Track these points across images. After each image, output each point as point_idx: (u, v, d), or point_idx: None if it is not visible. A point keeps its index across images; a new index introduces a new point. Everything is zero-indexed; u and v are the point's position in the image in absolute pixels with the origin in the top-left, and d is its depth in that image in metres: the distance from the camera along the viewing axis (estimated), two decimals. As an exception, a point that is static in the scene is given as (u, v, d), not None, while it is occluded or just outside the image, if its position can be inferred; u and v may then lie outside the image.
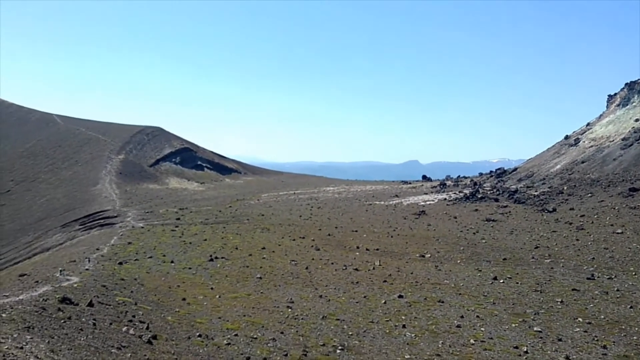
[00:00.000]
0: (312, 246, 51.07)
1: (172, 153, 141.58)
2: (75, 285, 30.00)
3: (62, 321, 22.15)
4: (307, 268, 41.93)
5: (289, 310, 31.01)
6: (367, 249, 50.67)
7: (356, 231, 59.80)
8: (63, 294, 25.88)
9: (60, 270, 33.70)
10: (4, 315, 20.79)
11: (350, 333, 27.57)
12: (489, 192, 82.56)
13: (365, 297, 34.30)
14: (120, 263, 40.16)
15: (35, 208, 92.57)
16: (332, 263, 44.12)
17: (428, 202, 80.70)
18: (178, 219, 68.45)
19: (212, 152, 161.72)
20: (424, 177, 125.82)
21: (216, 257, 44.25)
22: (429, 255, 48.31)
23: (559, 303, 32.59)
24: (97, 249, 45.84)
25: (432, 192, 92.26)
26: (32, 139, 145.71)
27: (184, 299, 32.11)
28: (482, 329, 28.34)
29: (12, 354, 15.65)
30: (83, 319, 23.34)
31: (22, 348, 16.78)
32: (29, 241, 71.40)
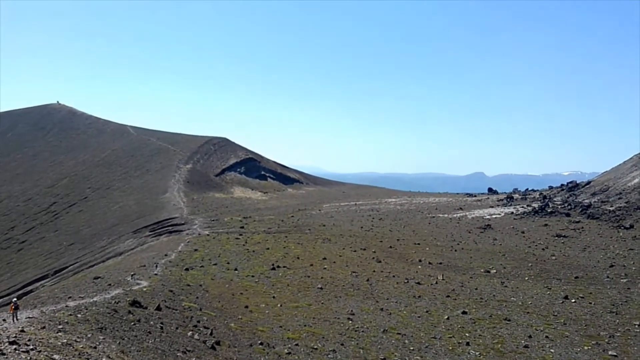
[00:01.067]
0: (374, 258, 50.66)
1: (237, 163, 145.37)
2: (144, 289, 31.28)
3: (132, 323, 23.13)
4: (368, 280, 41.61)
5: (350, 322, 30.86)
6: (429, 263, 49.66)
7: (418, 244, 58.77)
8: (133, 298, 27.05)
9: (132, 275, 35.25)
10: (79, 315, 21.98)
11: (412, 348, 27.04)
12: (559, 207, 78.89)
13: (427, 311, 33.59)
14: (187, 269, 41.52)
15: (109, 214, 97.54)
16: (394, 276, 43.55)
17: (494, 216, 78.13)
18: (242, 227, 70.02)
19: (275, 162, 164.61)
20: (490, 189, 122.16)
21: (278, 266, 44.81)
22: (495, 270, 46.67)
23: (637, 326, 30.51)
24: (166, 255, 47.65)
25: (498, 206, 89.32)
26: (107, 149, 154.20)
27: (246, 307, 32.71)
28: (552, 350, 26.98)
29: (87, 352, 16.48)
30: (151, 322, 24.27)
31: (95, 347, 17.63)
32: (103, 245, 75.18)
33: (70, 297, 28.35)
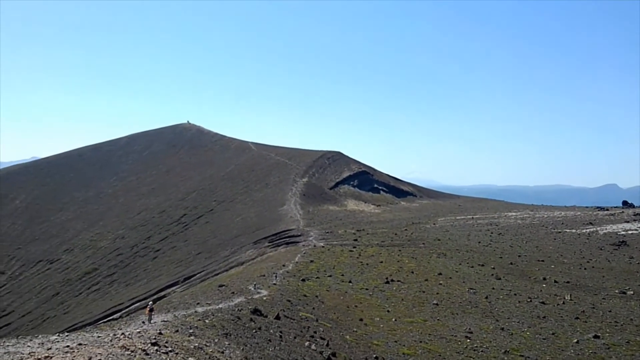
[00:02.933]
0: (493, 275, 48.46)
1: (351, 176, 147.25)
2: (264, 298, 32.84)
3: (254, 331, 24.42)
4: (486, 297, 39.91)
5: (468, 340, 29.83)
6: (555, 281, 46.36)
7: (542, 261, 55.14)
8: (255, 306, 28.54)
9: (254, 284, 37.19)
10: (207, 321, 23.68)
11: (536, 372, 25.48)
12: None
13: (553, 333, 31.40)
14: (303, 280, 42.84)
15: (232, 226, 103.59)
16: (515, 294, 41.30)
17: (630, 232, 70.96)
18: (355, 240, 70.68)
19: (388, 175, 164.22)
20: (625, 203, 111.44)
21: (392, 280, 44.60)
22: (632, 292, 42.29)
23: None
24: (283, 266, 49.59)
25: (635, 220, 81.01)
26: (231, 164, 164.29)
27: (361, 319, 32.99)
28: None
29: (216, 357, 17.77)
30: (271, 331, 25.42)
31: (223, 352, 18.93)
32: (227, 255, 79.92)
33: (198, 303, 30.56)
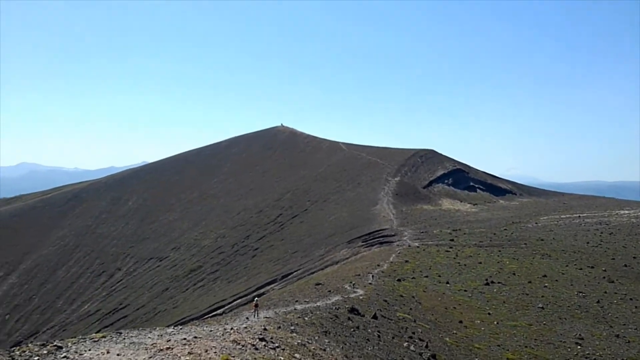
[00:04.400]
0: (604, 277, 45.17)
1: (445, 174, 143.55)
2: (361, 297, 33.08)
3: (352, 330, 24.72)
4: (598, 302, 37.33)
5: (578, 347, 28.11)
6: (678, 286, 42.33)
7: (662, 263, 50.52)
8: (352, 305, 28.86)
9: (352, 283, 37.58)
10: (306, 318, 24.34)
11: (658, 385, 23.50)
12: None
13: (678, 343, 28.76)
14: (399, 280, 42.57)
15: (326, 225, 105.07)
16: (631, 299, 38.24)
17: None
18: (452, 240, 68.93)
19: (484, 172, 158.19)
20: None
21: (492, 282, 43.04)
22: None
23: None
24: (378, 265, 49.56)
25: None
26: (323, 165, 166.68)
27: (460, 322, 32.20)
28: None
29: (319, 354, 18.27)
30: (369, 330, 25.59)
31: (324, 350, 19.41)
32: (322, 254, 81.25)
33: (296, 301, 31.43)
